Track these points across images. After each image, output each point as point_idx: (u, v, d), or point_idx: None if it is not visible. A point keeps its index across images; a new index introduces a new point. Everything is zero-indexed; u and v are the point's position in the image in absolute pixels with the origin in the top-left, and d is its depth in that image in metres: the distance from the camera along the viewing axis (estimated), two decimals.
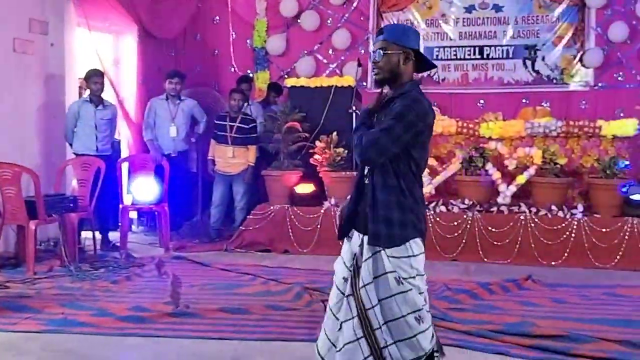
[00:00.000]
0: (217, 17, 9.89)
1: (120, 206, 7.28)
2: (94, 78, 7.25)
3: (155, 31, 9.01)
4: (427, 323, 3.00)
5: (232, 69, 9.75)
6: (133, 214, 8.05)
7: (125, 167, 7.66)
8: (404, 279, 2.93)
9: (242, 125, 7.74)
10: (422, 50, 3.09)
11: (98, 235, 7.10)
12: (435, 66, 3.49)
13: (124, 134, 8.27)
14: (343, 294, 3.08)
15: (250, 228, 7.34)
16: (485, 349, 4.23)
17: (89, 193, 6.72)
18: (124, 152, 8.19)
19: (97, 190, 6.73)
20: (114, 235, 7.40)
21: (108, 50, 8.38)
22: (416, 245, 2.96)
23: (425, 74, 7.77)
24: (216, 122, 7.85)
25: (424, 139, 3.00)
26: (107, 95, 7.66)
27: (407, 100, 2.94)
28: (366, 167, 3.05)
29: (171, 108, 7.97)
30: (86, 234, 7.12)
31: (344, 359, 2.99)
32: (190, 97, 8.40)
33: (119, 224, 7.35)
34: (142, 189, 7.23)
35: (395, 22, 9.39)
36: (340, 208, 3.31)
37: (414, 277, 2.96)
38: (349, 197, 3.19)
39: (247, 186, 7.81)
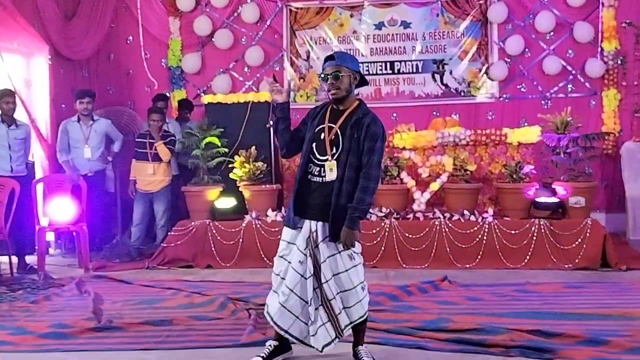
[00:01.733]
0: (131, 37, 9.87)
1: (37, 227, 7.11)
2: (6, 98, 7.11)
3: (66, 52, 8.91)
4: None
5: (147, 89, 9.72)
6: (50, 236, 7.87)
7: (40, 188, 7.51)
8: (355, 253, 3.86)
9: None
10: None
11: (14, 258, 6.92)
12: (367, 83, 4.17)
13: (38, 155, 8.09)
14: (302, 276, 3.81)
15: (172, 244, 7.31)
16: (404, 344, 4.38)
17: (4, 215, 6.56)
18: (39, 173, 8.01)
19: (12, 212, 6.58)
20: (31, 259, 7.22)
21: (19, 71, 8.21)
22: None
23: None
24: (137, 140, 7.83)
25: None
26: (19, 116, 7.51)
27: (374, 119, 3.81)
28: (316, 166, 3.85)
29: (84, 129, 7.87)
30: (1, 258, 6.93)
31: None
32: (105, 116, 8.32)
33: (36, 247, 7.19)
34: (58, 209, 7.10)
35: (309, 39, 9.66)
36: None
37: (360, 253, 3.92)
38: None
39: (168, 204, 7.80)
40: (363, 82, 4.00)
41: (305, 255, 3.82)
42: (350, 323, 3.87)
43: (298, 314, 3.86)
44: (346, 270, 3.81)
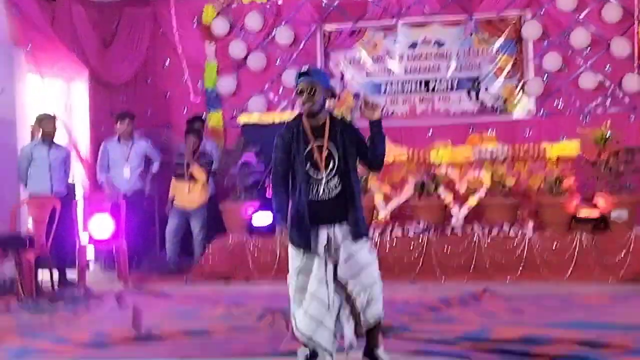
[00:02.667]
0: (168, 61, 10.03)
1: (78, 243, 7.21)
2: (46, 120, 7.28)
3: (105, 76, 9.09)
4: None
5: (185, 110, 9.84)
6: (90, 253, 7.97)
7: (80, 205, 7.63)
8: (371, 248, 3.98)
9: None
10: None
11: (55, 273, 6.99)
12: (336, 96, 4.57)
13: (79, 175, 8.23)
14: (325, 281, 3.83)
15: (210, 259, 7.36)
16: (446, 353, 4.30)
17: (45, 232, 6.67)
18: (79, 193, 8.14)
19: (53, 229, 6.69)
20: (71, 274, 7.30)
21: (59, 95, 8.40)
22: None
23: None
24: (176, 162, 7.97)
25: None
26: (60, 139, 7.67)
27: (346, 121, 4.09)
28: (316, 184, 3.88)
29: (124, 149, 8.01)
30: (43, 273, 7.01)
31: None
32: (144, 136, 8.45)
33: (77, 262, 7.27)
34: (99, 226, 7.21)
35: (343, 59, 9.71)
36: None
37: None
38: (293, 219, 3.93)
39: (204, 221, 7.86)
40: (332, 95, 4.14)
41: (326, 261, 3.85)
42: (372, 323, 3.92)
43: (322, 319, 3.83)
44: (368, 264, 3.90)
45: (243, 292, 6.67)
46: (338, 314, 3.87)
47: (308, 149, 3.88)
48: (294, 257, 3.95)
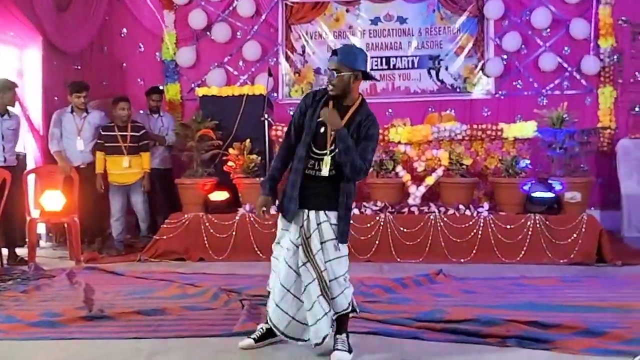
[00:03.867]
0: (125, 30, 9.79)
1: (28, 219, 7.03)
2: (7, 90, 7.06)
3: (60, 44, 8.79)
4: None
5: (141, 82, 9.64)
6: (41, 228, 7.79)
7: (31, 179, 7.43)
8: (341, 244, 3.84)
9: (134, 134, 7.63)
10: (368, 69, 3.88)
11: (4, 250, 6.84)
12: (371, 78, 4.11)
13: (30, 146, 8.01)
14: (296, 271, 3.80)
15: (164, 237, 7.24)
16: (400, 334, 4.33)
17: None
18: (30, 165, 7.92)
19: (2, 203, 6.50)
20: (21, 251, 7.14)
21: (12, 62, 8.13)
22: None
23: None
24: (103, 133, 7.62)
25: None
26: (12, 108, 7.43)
27: (370, 117, 3.81)
28: (312, 159, 3.81)
29: (77, 121, 7.78)
30: None
31: (311, 315, 3.75)
32: (98, 109, 8.24)
33: (26, 238, 7.10)
34: (50, 201, 7.02)
35: (304, 33, 9.60)
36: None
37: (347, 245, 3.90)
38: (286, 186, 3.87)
39: (145, 194, 7.71)
40: (367, 77, 3.95)
41: (297, 245, 3.81)
42: (335, 314, 3.85)
43: (294, 314, 3.85)
44: (329, 261, 3.80)
45: (198, 271, 6.58)
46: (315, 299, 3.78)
47: (320, 120, 3.79)
48: (279, 228, 3.99)
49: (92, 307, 4.95)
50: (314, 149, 3.82)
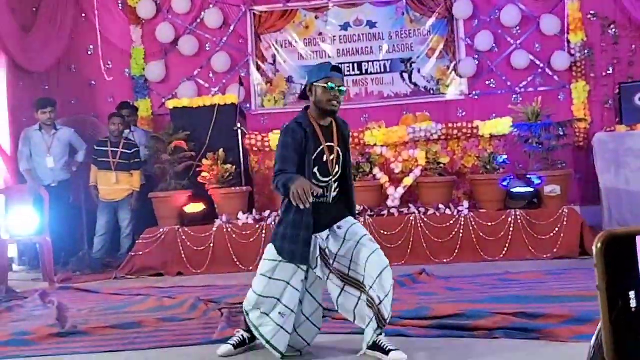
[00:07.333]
0: (92, 47, 9.64)
1: None
2: None
3: (25, 64, 8.65)
4: None
5: (111, 99, 9.48)
6: (13, 251, 7.57)
7: (1, 200, 7.23)
8: None
9: (125, 151, 7.56)
10: None
11: None
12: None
13: None
14: (307, 290, 3.75)
15: (140, 253, 7.06)
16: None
17: None
18: None
19: None
20: None
21: None
22: None
23: None
24: (96, 148, 7.61)
25: None
26: None
27: (345, 122, 3.86)
28: (319, 188, 3.54)
29: (46, 138, 7.63)
30: None
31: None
32: (68, 125, 8.07)
33: None
34: (20, 221, 6.83)
35: (274, 42, 9.52)
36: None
37: None
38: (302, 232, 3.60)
39: (132, 212, 7.57)
40: None
41: (307, 270, 3.69)
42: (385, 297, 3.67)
43: (296, 329, 3.75)
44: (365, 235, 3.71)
45: (176, 284, 6.43)
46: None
47: (319, 150, 3.64)
48: (267, 259, 3.73)
49: (66, 324, 4.77)
50: (319, 178, 3.67)
